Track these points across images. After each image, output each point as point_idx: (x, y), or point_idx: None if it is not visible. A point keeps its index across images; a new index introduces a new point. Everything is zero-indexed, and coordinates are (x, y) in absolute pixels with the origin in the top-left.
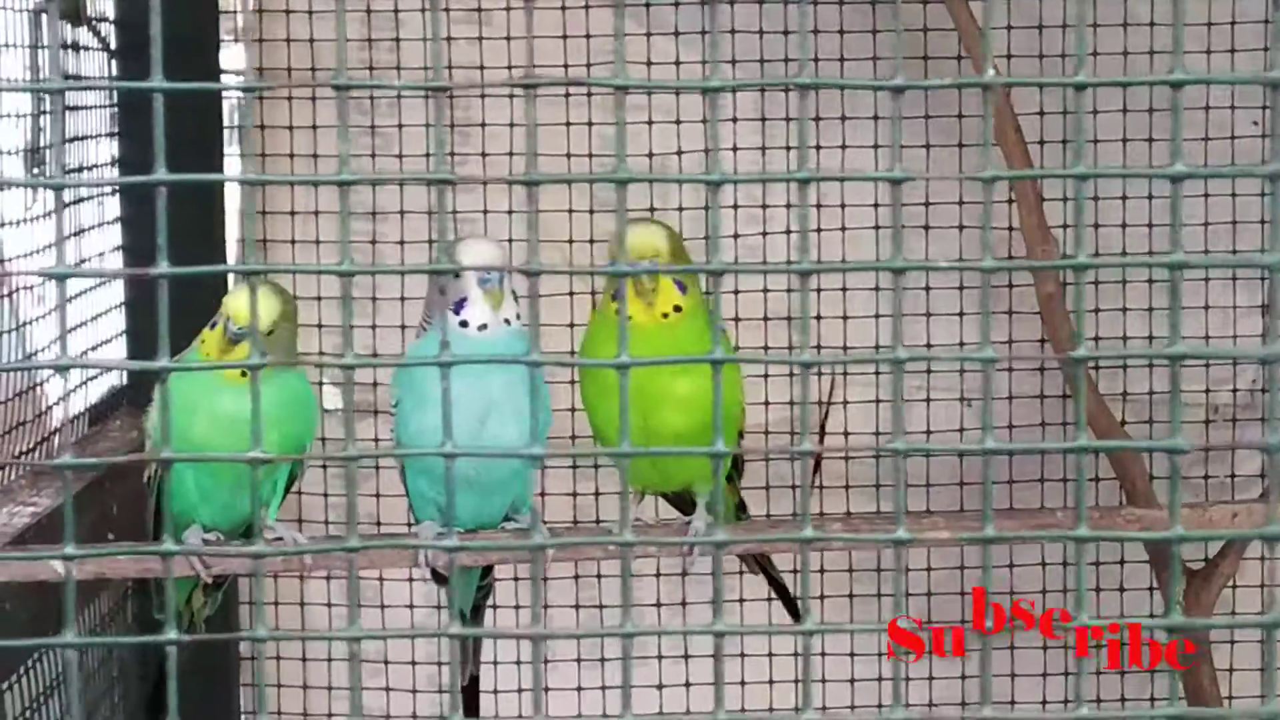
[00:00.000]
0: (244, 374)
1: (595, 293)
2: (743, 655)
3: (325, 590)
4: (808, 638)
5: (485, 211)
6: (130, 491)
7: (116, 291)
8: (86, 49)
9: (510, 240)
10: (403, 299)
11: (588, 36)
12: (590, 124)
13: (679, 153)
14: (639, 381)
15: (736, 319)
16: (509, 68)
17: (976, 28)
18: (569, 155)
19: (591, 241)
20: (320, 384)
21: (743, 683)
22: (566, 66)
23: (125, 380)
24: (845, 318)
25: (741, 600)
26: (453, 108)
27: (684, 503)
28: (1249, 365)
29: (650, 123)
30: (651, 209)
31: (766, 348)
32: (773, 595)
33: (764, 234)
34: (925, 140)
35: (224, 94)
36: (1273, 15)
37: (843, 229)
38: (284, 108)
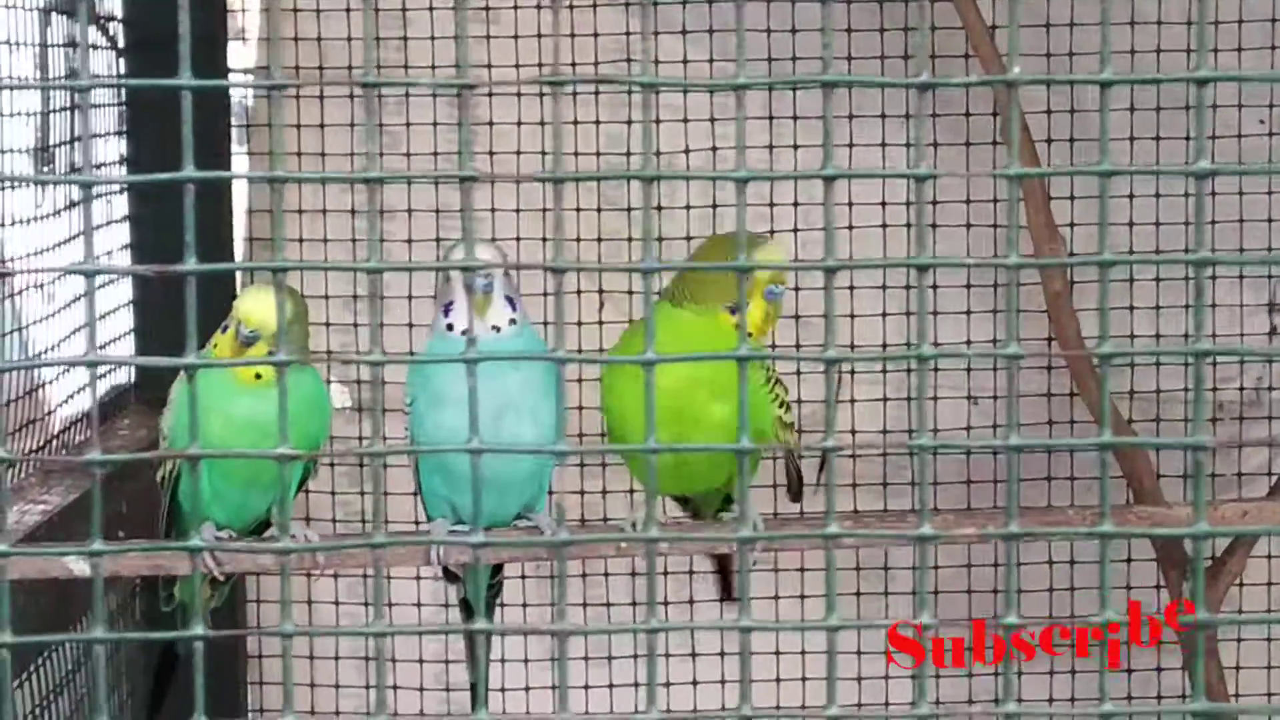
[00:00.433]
0: (258, 376)
1: (602, 291)
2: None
3: (334, 588)
4: (833, 634)
5: (493, 210)
6: (140, 490)
7: (124, 290)
8: (95, 47)
9: (519, 239)
10: (410, 297)
11: (595, 35)
12: (598, 122)
13: (686, 151)
14: (675, 404)
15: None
16: (517, 66)
17: (984, 26)
18: (576, 154)
19: (599, 240)
20: (329, 382)
21: (746, 680)
22: (574, 64)
23: (133, 378)
24: (852, 315)
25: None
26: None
27: (686, 502)
28: (1254, 363)
29: (658, 121)
30: (659, 207)
31: (774, 345)
32: (778, 593)
33: (771, 232)
34: (933, 138)
35: (231, 92)
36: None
37: (850, 227)
38: (291, 106)
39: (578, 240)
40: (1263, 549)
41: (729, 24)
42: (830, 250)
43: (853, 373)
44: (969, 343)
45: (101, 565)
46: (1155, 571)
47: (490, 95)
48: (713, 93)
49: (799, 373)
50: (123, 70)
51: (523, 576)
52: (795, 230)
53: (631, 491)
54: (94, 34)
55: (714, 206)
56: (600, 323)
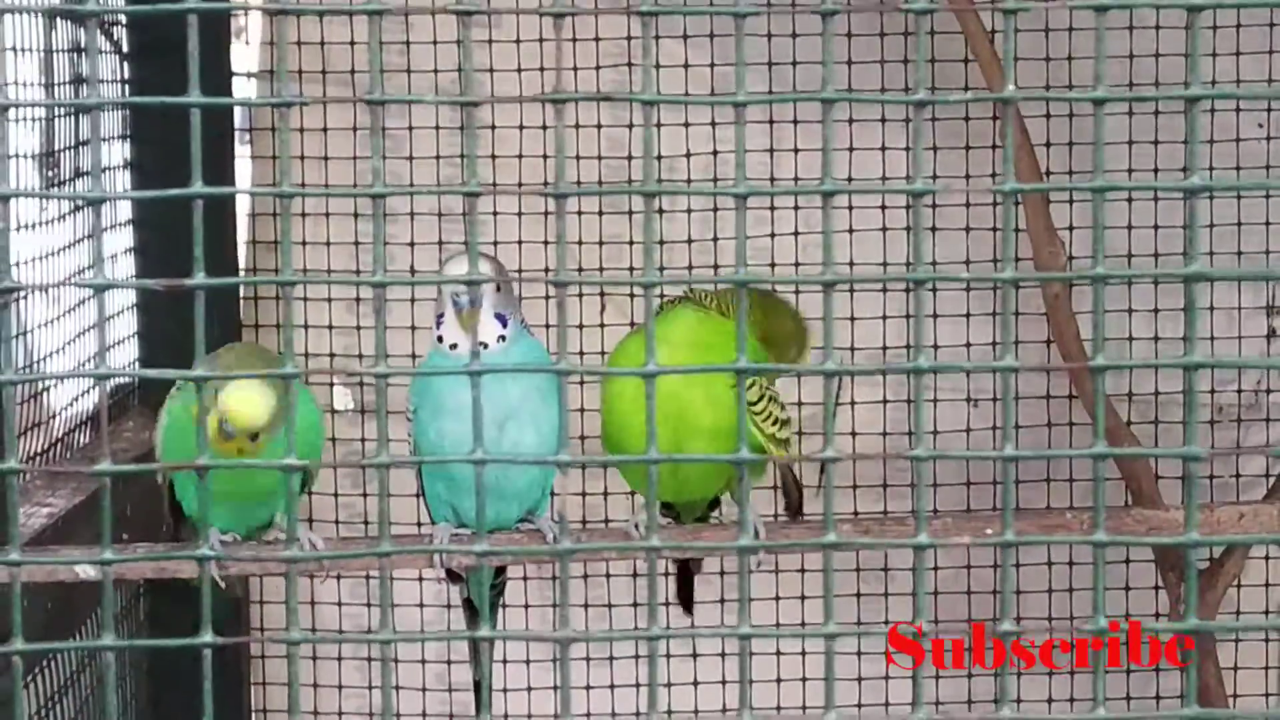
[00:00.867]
0: (240, 450)
1: (604, 294)
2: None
3: (336, 590)
4: (830, 640)
5: (495, 213)
6: (143, 492)
7: (128, 294)
8: (100, 52)
9: (520, 242)
10: (412, 300)
11: (596, 40)
12: (599, 126)
13: (687, 155)
14: (673, 407)
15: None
16: (519, 70)
17: (984, 32)
18: (578, 158)
19: (600, 243)
20: (330, 385)
21: (746, 683)
22: (575, 69)
23: (135, 381)
24: (852, 318)
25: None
26: (463, 113)
27: (669, 506)
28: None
29: (659, 125)
30: (660, 210)
31: None
32: (779, 594)
33: (772, 235)
34: (932, 143)
35: (233, 96)
36: None
37: (850, 230)
38: (294, 110)
39: (579, 244)
40: (1260, 551)
41: (730, 28)
42: (829, 263)
43: (852, 375)
44: (968, 346)
45: (111, 573)
46: (1154, 573)
47: (505, 106)
48: (713, 106)
49: (798, 375)
50: (125, 75)
51: (525, 578)
52: (795, 234)
53: (632, 494)
54: (87, 34)
55: (715, 210)
56: (602, 325)
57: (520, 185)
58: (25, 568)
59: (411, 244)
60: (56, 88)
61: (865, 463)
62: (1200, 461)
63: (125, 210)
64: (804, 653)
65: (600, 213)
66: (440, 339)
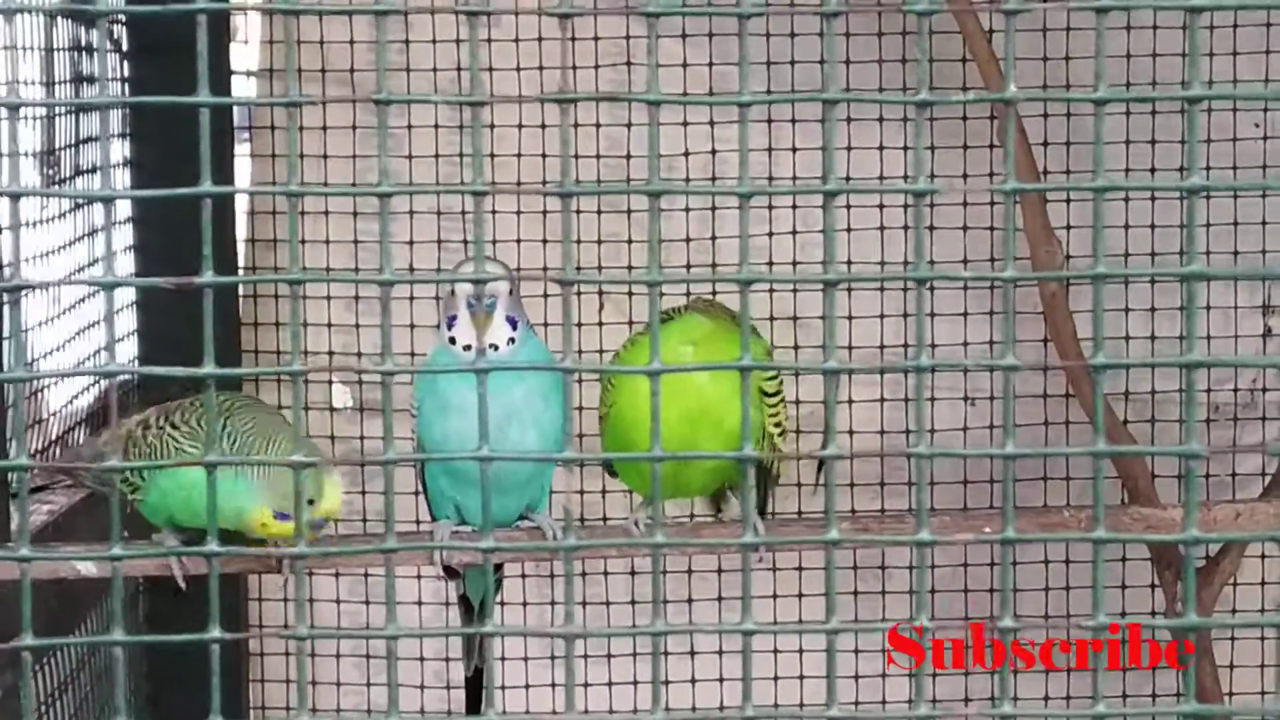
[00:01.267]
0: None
1: (603, 292)
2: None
3: (334, 586)
4: (832, 636)
5: (494, 211)
6: None
7: (127, 292)
8: (100, 50)
9: (519, 240)
10: (411, 298)
11: (596, 39)
12: (598, 125)
13: (686, 154)
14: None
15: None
16: (518, 69)
17: (983, 33)
18: (577, 157)
19: (599, 242)
20: (330, 383)
21: (747, 680)
22: (575, 68)
23: (135, 379)
24: (850, 317)
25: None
26: (462, 111)
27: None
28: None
29: (658, 124)
30: (660, 210)
31: (772, 347)
32: (776, 592)
33: (770, 234)
34: (930, 142)
35: (233, 93)
36: None
37: (849, 229)
38: (294, 110)
39: (578, 242)
40: (1256, 548)
41: (729, 28)
42: (830, 261)
43: (850, 373)
44: (965, 345)
45: (121, 569)
46: (1150, 571)
47: (510, 106)
48: (713, 106)
49: (796, 373)
50: (126, 73)
51: (523, 575)
52: (794, 232)
53: (630, 491)
54: (98, 36)
55: (712, 209)
56: (600, 324)
57: (519, 184)
58: (31, 564)
59: (410, 242)
60: (57, 86)
61: (862, 461)
62: (1200, 459)
63: (125, 208)
64: (801, 650)
65: (599, 211)
66: (453, 340)
